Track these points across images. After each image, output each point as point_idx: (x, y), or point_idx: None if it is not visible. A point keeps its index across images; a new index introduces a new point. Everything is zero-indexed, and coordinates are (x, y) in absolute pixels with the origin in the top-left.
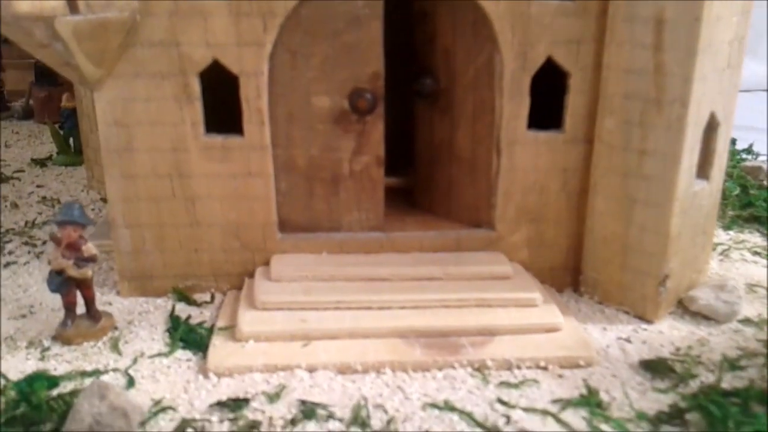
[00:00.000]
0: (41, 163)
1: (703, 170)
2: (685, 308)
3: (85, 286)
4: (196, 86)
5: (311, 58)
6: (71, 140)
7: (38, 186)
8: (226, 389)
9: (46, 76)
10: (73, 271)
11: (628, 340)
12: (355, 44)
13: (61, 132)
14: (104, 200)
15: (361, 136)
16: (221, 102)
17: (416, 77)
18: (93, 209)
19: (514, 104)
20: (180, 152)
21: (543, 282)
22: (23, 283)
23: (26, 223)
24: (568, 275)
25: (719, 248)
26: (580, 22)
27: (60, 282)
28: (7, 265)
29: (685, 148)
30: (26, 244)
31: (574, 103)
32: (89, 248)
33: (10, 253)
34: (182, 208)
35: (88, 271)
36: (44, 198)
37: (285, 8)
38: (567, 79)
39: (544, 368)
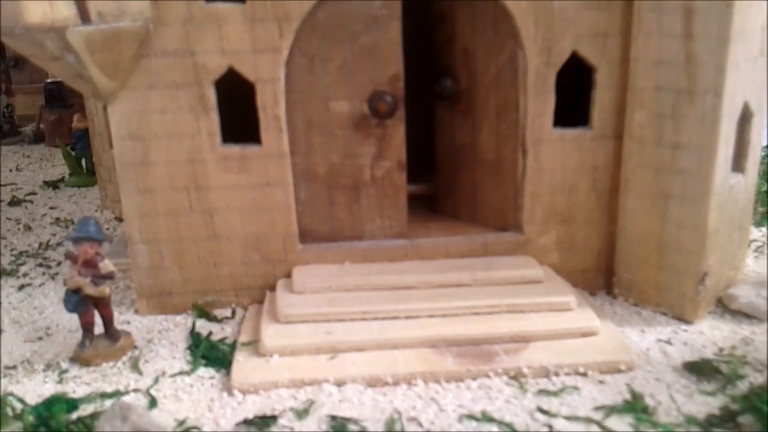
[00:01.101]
0: (54, 185)
1: (738, 163)
2: (724, 307)
3: (102, 304)
4: (212, 96)
5: (329, 63)
6: (83, 161)
7: (51, 208)
8: (252, 406)
9: (56, 98)
10: (90, 290)
11: (668, 342)
12: (374, 46)
13: (73, 153)
14: (119, 219)
15: (382, 141)
16: (238, 110)
17: (436, 79)
18: (108, 228)
19: (539, 102)
20: (197, 164)
21: (575, 285)
22: (39, 305)
23: (40, 245)
24: (601, 277)
25: (753, 245)
26: (605, 15)
27: (77, 301)
28: (22, 287)
29: (720, 140)
30: (40, 265)
31: (602, 99)
32: (106, 265)
33: (24, 275)
34: (200, 222)
35: (105, 289)
36: (57, 219)
37: (301, 12)
38: (593, 74)
39: (584, 374)
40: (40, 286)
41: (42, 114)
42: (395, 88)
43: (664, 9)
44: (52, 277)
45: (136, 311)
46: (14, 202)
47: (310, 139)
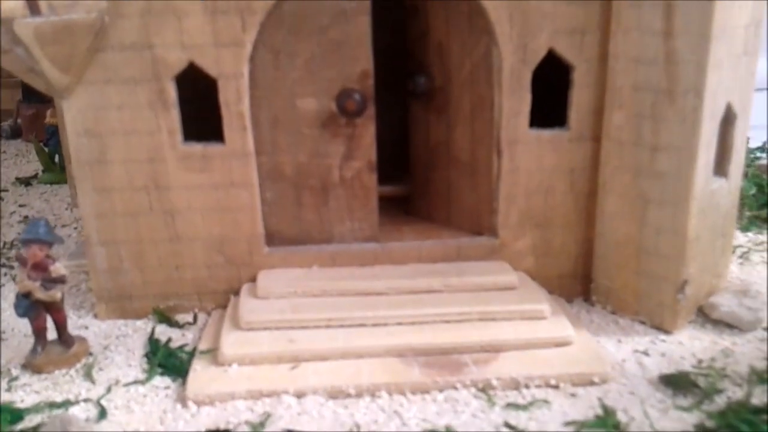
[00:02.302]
0: (26, 182)
1: (720, 167)
2: (705, 316)
3: (54, 309)
4: (171, 92)
5: (295, 58)
6: (56, 157)
7: (21, 205)
8: (206, 419)
9: (33, 93)
10: (40, 294)
11: (645, 353)
12: (343, 41)
13: (47, 149)
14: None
15: (351, 141)
16: (199, 107)
17: (409, 76)
18: (76, 228)
19: (514, 101)
20: (157, 163)
21: (551, 291)
22: None
23: (4, 244)
24: (578, 284)
25: (738, 251)
26: (582, 11)
27: (27, 306)
28: None
29: (701, 143)
30: (2, 266)
31: (579, 98)
32: (57, 268)
33: None
34: (161, 223)
35: (57, 293)
36: (26, 218)
37: (265, 4)
38: (571, 73)
39: (555, 387)
40: (0, 287)
41: (19, 108)
42: (364, 85)
43: (644, 5)
44: (13, 278)
45: (95, 315)
46: None
47: (276, 138)
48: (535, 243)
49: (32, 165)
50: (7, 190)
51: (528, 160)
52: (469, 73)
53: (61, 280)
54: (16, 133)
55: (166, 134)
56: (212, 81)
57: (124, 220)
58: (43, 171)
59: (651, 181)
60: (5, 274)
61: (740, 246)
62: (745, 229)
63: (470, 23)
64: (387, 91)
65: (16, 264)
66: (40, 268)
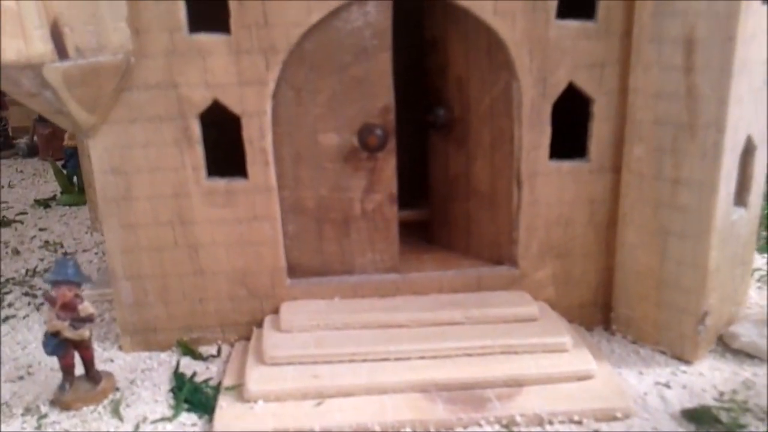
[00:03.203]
0: (45, 203)
1: (740, 197)
2: (725, 345)
3: (83, 347)
4: (196, 129)
5: (317, 94)
6: (75, 179)
7: (41, 229)
8: None
9: None
10: (69, 333)
11: (667, 386)
12: (364, 78)
13: (65, 171)
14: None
15: (373, 174)
16: (223, 141)
17: (429, 108)
18: (96, 253)
19: (534, 134)
20: (181, 198)
21: (571, 320)
22: (22, 340)
23: (27, 271)
24: (599, 312)
25: (756, 274)
26: (602, 44)
27: (56, 344)
28: (7, 319)
29: (721, 176)
30: (26, 294)
31: (599, 131)
32: (86, 308)
33: (9, 305)
34: (185, 257)
35: (85, 332)
36: (47, 242)
37: (288, 43)
38: (591, 105)
39: (578, 422)
40: (24, 318)
41: (36, 127)
42: (386, 120)
43: (664, 40)
44: (37, 307)
45: (120, 347)
46: (4, 223)
47: (299, 172)
48: (556, 273)
49: (50, 185)
50: (26, 213)
51: (548, 192)
52: (488, 106)
53: (89, 319)
54: (32, 152)
55: (190, 170)
56: (236, 118)
57: (149, 254)
58: (62, 192)
59: (672, 214)
60: (29, 304)
61: (758, 269)
62: (762, 250)
63: (490, 58)
64: (406, 111)
65: (39, 292)
66: (68, 307)
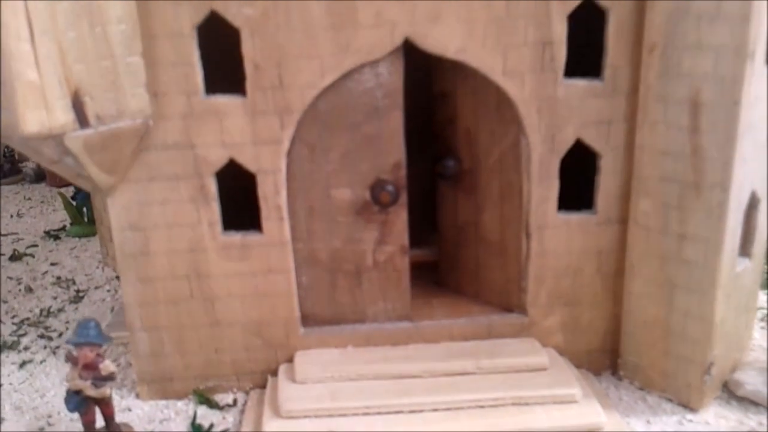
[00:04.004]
0: (55, 235)
1: (744, 248)
2: (730, 392)
3: (104, 404)
4: (212, 186)
5: (330, 152)
6: (84, 209)
7: (52, 264)
8: None
9: None
10: (91, 391)
11: None
12: (376, 135)
13: (74, 202)
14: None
15: (384, 226)
16: (238, 193)
17: (438, 159)
18: (109, 290)
19: (543, 188)
20: (198, 253)
21: (579, 366)
22: (41, 387)
23: (41, 311)
24: (606, 358)
25: (759, 313)
26: (609, 102)
27: (78, 402)
28: (23, 364)
29: (727, 233)
30: (42, 336)
31: (606, 184)
32: (107, 366)
33: (26, 348)
34: (201, 309)
35: (106, 390)
36: (59, 279)
37: (302, 103)
38: (598, 160)
39: None
40: (41, 363)
41: None
42: (397, 176)
43: (670, 100)
44: (54, 351)
45: (137, 395)
46: (15, 257)
47: (312, 226)
48: (564, 320)
49: (59, 214)
50: (36, 245)
51: (556, 243)
52: (497, 160)
53: (110, 378)
54: (39, 177)
55: (206, 226)
56: (251, 175)
57: (166, 307)
58: (71, 223)
59: (678, 268)
60: (45, 347)
61: (761, 308)
62: (764, 285)
63: (498, 113)
64: (414, 156)
65: (54, 333)
66: (90, 367)
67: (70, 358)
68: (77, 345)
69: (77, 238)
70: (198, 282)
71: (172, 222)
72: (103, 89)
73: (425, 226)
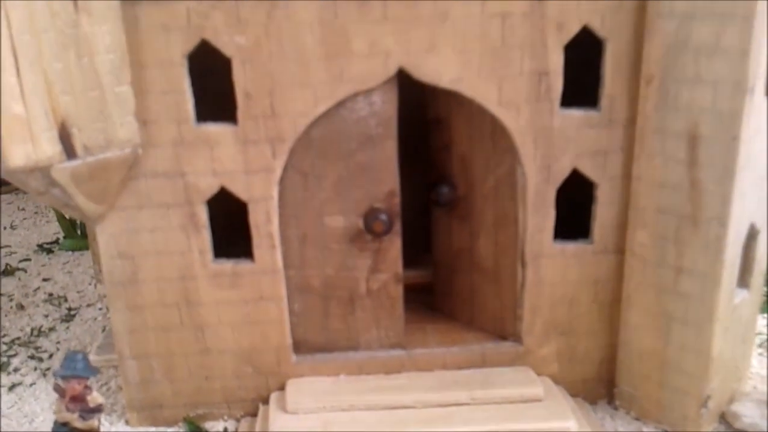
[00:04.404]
0: (48, 249)
1: (743, 279)
2: (728, 424)
3: None
4: (203, 215)
5: (324, 179)
6: (78, 222)
7: (45, 279)
8: None
9: None
10: (78, 424)
11: None
12: (369, 164)
13: (68, 216)
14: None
15: (378, 254)
16: (228, 218)
17: (432, 186)
18: (101, 308)
19: (538, 217)
20: (188, 280)
21: (575, 394)
22: (30, 412)
23: (32, 330)
24: (602, 387)
25: (757, 338)
26: (606, 133)
27: None
28: (13, 387)
29: (725, 268)
30: (32, 357)
31: (603, 214)
32: (95, 398)
33: (15, 370)
34: (191, 337)
35: (94, 422)
36: (51, 295)
37: (295, 132)
38: (594, 190)
39: None
40: (31, 385)
41: None
42: (391, 203)
43: (668, 133)
44: (44, 373)
45: (127, 422)
46: (7, 272)
47: (305, 253)
48: (560, 349)
49: (52, 226)
50: (29, 259)
51: (552, 273)
52: (492, 187)
53: (98, 410)
54: None
55: (197, 254)
56: (242, 204)
57: (155, 334)
58: (64, 237)
59: (675, 300)
60: (35, 369)
61: (759, 333)
62: (763, 310)
63: (493, 141)
64: (405, 168)
65: (45, 354)
66: (78, 399)
67: (58, 390)
68: (64, 378)
69: (70, 252)
70: (188, 309)
71: (162, 250)
72: (91, 119)
73: (417, 246)
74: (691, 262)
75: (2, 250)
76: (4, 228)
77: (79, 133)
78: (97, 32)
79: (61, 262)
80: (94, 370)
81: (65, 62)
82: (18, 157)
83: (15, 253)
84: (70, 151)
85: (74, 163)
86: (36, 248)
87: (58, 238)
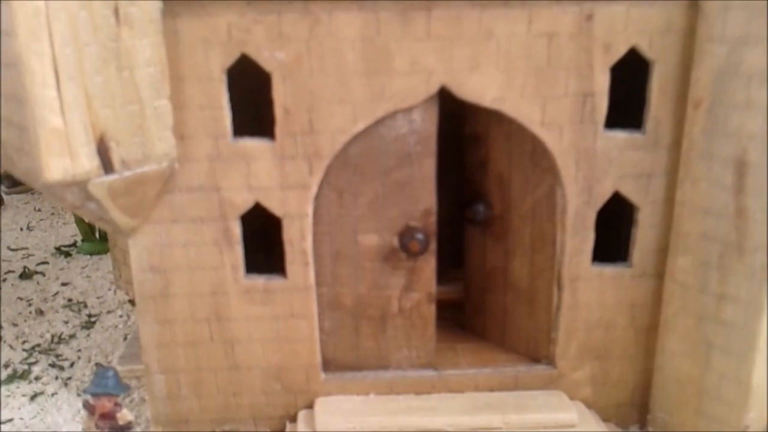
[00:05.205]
0: (66, 252)
1: None
2: None
3: None
4: (236, 230)
5: (359, 197)
6: (96, 226)
7: (63, 284)
8: None
9: None
10: None
11: None
12: (407, 182)
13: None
14: (132, 302)
15: (412, 273)
16: (262, 232)
17: (467, 204)
18: (121, 315)
19: (577, 240)
20: (219, 296)
21: (607, 419)
22: (52, 423)
23: (53, 337)
24: (635, 412)
25: None
26: (650, 155)
27: None
28: (35, 397)
29: None
30: (53, 366)
31: (643, 238)
32: (124, 415)
33: (36, 378)
34: (221, 352)
35: None
36: (70, 301)
37: (332, 149)
38: (636, 213)
39: None
40: (53, 395)
41: None
42: (427, 222)
43: (715, 158)
44: (65, 382)
45: None
46: (26, 275)
47: (337, 270)
48: (594, 373)
49: (69, 227)
50: (47, 263)
51: (589, 296)
52: (530, 207)
53: (128, 427)
54: None
55: (229, 269)
56: (277, 219)
57: (184, 349)
58: (83, 240)
59: (716, 328)
60: (56, 378)
61: None
62: None
63: (533, 161)
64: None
65: (66, 362)
66: (107, 416)
67: (87, 407)
68: (95, 395)
69: (88, 256)
70: (218, 325)
71: (194, 264)
72: (130, 134)
73: (447, 261)
74: (734, 289)
75: (20, 252)
76: (21, 229)
77: (117, 147)
78: (137, 45)
79: (79, 266)
80: (125, 387)
81: (106, 76)
82: (56, 171)
83: (33, 255)
84: (107, 166)
85: (111, 177)
86: (54, 251)
87: (75, 241)
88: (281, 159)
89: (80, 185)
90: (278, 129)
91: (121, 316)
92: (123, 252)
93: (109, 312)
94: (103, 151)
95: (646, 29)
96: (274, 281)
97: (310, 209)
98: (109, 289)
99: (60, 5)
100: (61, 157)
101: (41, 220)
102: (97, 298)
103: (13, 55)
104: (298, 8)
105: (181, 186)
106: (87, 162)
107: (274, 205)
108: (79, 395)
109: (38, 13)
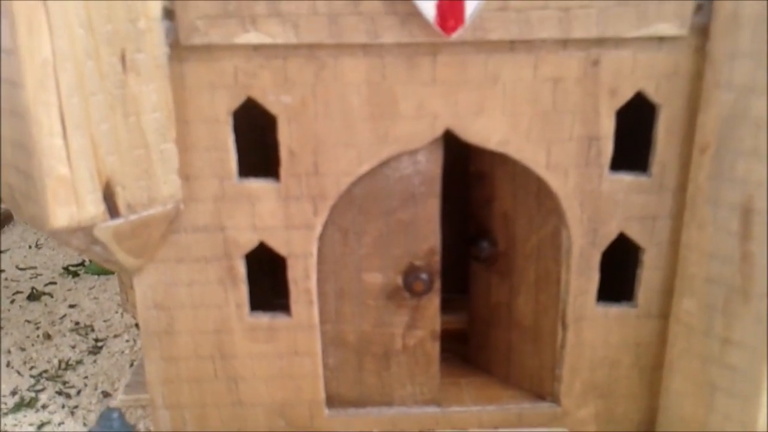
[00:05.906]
0: (74, 272)
1: None
2: None
3: None
4: (241, 269)
5: (363, 236)
6: None
7: (71, 306)
8: None
9: None
10: None
11: None
12: (411, 222)
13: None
14: (138, 326)
15: (416, 312)
16: (269, 262)
17: (472, 241)
18: (128, 340)
19: (582, 280)
20: (223, 333)
21: None
22: None
23: (60, 362)
24: None
25: None
26: (656, 198)
27: None
28: (41, 426)
29: None
30: (60, 393)
31: (648, 278)
32: None
33: (44, 407)
34: (225, 389)
35: None
36: (77, 324)
37: (337, 190)
38: (641, 254)
39: None
40: (59, 425)
41: None
42: (431, 261)
43: (721, 203)
44: (72, 411)
45: None
46: (34, 296)
47: (341, 308)
48: (598, 412)
49: None
50: (55, 283)
51: (594, 335)
52: (535, 246)
53: None
54: None
55: (233, 307)
56: (282, 258)
57: (189, 386)
58: (90, 260)
59: (720, 371)
60: (63, 406)
61: None
62: None
63: (538, 201)
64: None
65: (73, 390)
66: None
67: None
68: None
69: (96, 276)
70: (222, 362)
71: (199, 303)
72: (135, 178)
73: (450, 289)
74: (739, 334)
75: (28, 271)
76: (29, 247)
77: (122, 192)
78: (144, 91)
79: (87, 286)
80: (129, 427)
81: (112, 122)
82: (62, 218)
83: (41, 275)
84: (113, 210)
85: (117, 221)
86: (62, 271)
87: (83, 261)
88: (286, 200)
89: (85, 231)
90: (283, 170)
91: (127, 341)
92: (129, 275)
93: (116, 336)
94: (109, 197)
95: (652, 73)
96: (279, 319)
97: (314, 249)
98: (116, 312)
99: (67, 55)
100: (68, 204)
101: (48, 238)
102: (104, 321)
103: (20, 106)
104: (304, 53)
105: (186, 226)
106: (93, 208)
107: (278, 244)
108: (85, 425)
109: (46, 64)
